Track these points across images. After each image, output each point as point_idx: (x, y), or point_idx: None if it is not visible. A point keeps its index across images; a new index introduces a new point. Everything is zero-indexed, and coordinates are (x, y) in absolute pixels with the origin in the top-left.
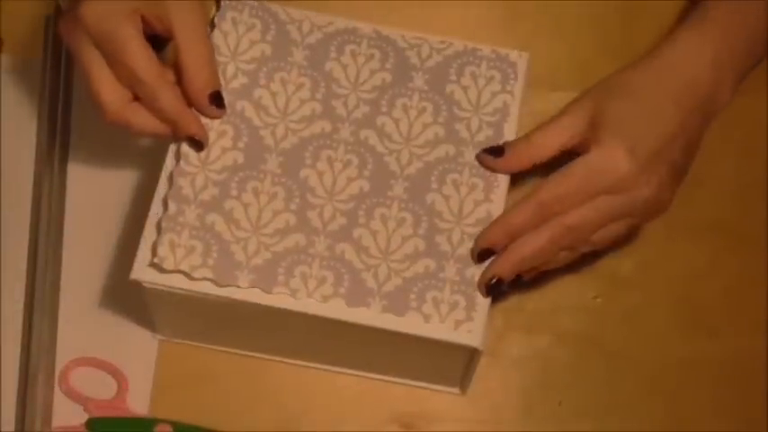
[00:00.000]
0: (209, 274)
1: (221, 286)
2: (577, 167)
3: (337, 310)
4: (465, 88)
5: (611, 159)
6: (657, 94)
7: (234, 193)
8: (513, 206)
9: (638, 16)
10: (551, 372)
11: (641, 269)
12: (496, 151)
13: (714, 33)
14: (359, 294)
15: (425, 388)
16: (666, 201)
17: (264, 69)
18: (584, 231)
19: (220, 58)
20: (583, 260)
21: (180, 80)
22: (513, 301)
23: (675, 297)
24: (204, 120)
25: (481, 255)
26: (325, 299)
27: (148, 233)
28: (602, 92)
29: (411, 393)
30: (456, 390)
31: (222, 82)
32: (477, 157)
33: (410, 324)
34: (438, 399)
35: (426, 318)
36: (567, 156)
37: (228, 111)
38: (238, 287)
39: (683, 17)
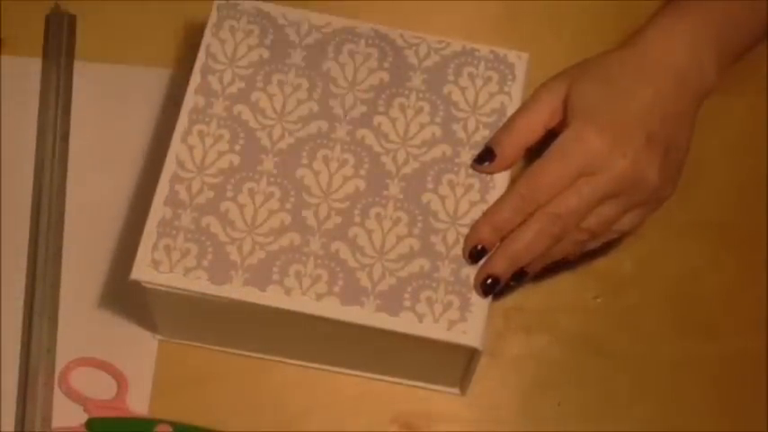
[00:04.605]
0: (204, 275)
1: (217, 285)
2: (550, 153)
3: (331, 308)
4: (462, 89)
5: (581, 140)
6: (631, 75)
7: (230, 194)
8: (497, 201)
9: (638, 17)
10: (551, 372)
11: (641, 269)
12: (487, 155)
13: (694, 15)
14: (353, 293)
15: (425, 388)
16: (652, 176)
17: (262, 73)
18: (571, 218)
19: (218, 66)
20: (592, 254)
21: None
22: (512, 301)
23: (675, 297)
24: (200, 126)
25: (473, 254)
26: (319, 297)
27: (148, 234)
28: (578, 73)
29: (411, 394)
30: (456, 390)
31: (219, 88)
32: (473, 168)
33: (404, 323)
34: (438, 399)
35: (420, 317)
36: (553, 136)
37: (226, 115)
38: (233, 286)
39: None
